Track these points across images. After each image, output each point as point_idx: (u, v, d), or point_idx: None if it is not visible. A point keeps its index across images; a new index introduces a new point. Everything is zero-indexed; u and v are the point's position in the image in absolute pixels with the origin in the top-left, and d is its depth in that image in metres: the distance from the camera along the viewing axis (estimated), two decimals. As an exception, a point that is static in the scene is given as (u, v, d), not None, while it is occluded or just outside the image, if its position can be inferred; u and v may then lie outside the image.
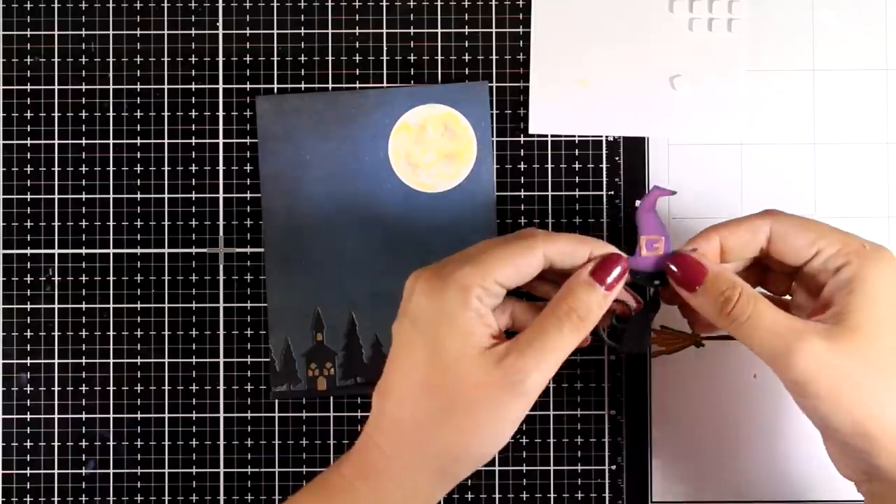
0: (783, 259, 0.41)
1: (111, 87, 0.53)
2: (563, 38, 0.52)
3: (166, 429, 0.52)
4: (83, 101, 0.53)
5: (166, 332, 0.52)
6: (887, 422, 0.38)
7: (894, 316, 0.39)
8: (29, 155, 0.53)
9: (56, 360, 0.52)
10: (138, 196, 0.53)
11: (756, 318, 0.39)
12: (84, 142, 0.53)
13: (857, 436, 0.39)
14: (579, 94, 0.52)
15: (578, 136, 0.53)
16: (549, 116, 0.52)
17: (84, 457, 0.52)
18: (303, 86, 0.53)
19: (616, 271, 0.41)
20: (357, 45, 0.53)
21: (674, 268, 0.41)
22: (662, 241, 0.43)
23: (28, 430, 0.52)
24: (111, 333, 0.52)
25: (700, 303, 0.41)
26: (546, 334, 0.39)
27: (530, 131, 0.52)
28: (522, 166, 0.52)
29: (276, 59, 0.53)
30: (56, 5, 0.53)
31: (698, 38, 0.52)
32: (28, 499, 0.52)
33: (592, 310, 0.40)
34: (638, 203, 0.43)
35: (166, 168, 0.53)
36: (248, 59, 0.53)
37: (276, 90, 0.53)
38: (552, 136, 0.53)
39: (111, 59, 0.53)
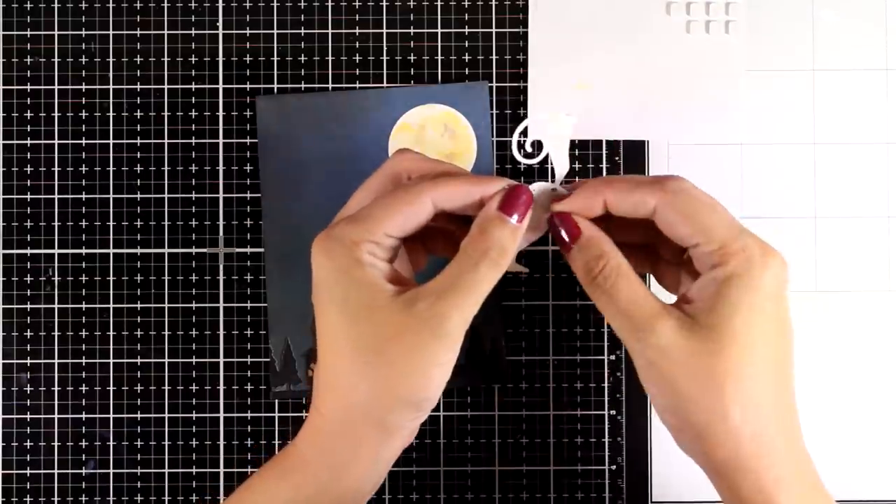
0: (668, 236, 0.40)
1: (111, 87, 0.53)
2: (561, 42, 0.52)
3: (166, 429, 0.52)
4: (83, 101, 0.53)
5: (166, 332, 0.52)
6: (722, 430, 0.37)
7: (757, 326, 0.37)
8: (29, 155, 0.53)
9: (56, 360, 0.52)
10: (138, 196, 0.53)
11: (615, 291, 0.39)
12: (84, 142, 0.53)
13: (688, 433, 0.39)
14: (578, 97, 0.52)
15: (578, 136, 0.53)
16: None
17: (84, 457, 0.52)
18: (303, 86, 0.53)
19: (522, 200, 0.40)
20: (357, 45, 0.53)
21: (557, 223, 0.41)
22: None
23: (28, 430, 0.52)
24: (111, 333, 0.52)
25: (574, 263, 0.41)
26: (462, 275, 0.39)
27: (530, 134, 0.52)
28: (522, 166, 0.52)
29: (276, 59, 0.53)
30: (56, 5, 0.53)
31: (696, 40, 0.52)
32: (28, 499, 0.52)
33: (506, 244, 0.39)
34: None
35: (166, 168, 0.53)
36: (248, 59, 0.53)
37: (276, 90, 0.53)
38: (552, 136, 0.53)
39: (111, 59, 0.53)
